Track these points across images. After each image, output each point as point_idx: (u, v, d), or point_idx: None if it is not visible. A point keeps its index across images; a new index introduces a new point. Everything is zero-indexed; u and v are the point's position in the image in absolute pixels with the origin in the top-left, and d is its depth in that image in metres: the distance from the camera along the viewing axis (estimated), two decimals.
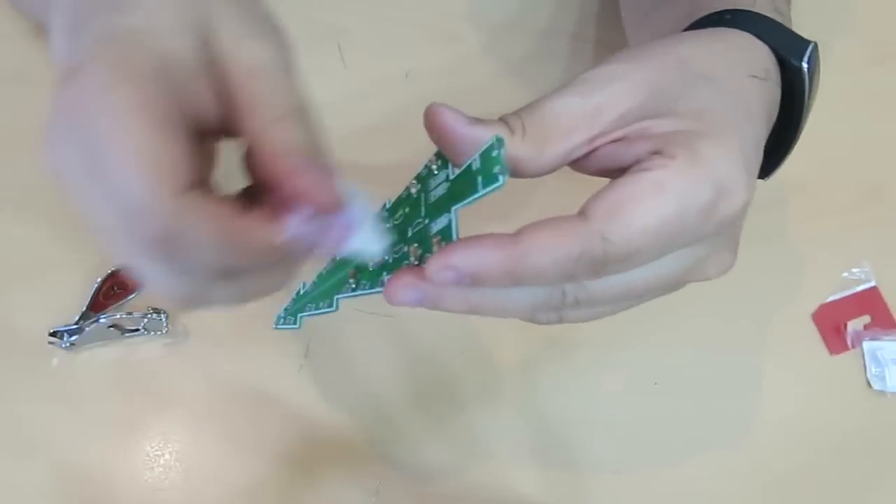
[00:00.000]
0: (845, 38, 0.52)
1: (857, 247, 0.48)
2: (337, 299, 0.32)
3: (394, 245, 0.29)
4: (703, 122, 0.27)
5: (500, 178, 0.23)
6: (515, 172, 0.27)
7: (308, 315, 0.36)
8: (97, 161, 0.23)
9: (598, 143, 0.27)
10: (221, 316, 0.44)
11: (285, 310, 0.38)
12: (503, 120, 0.27)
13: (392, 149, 0.48)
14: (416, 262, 0.27)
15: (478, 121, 0.27)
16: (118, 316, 0.43)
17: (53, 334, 0.43)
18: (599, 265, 0.25)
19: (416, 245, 0.27)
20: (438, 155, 0.28)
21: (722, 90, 0.28)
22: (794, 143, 0.35)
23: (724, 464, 0.44)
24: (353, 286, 0.31)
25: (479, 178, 0.24)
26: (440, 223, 0.26)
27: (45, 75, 0.49)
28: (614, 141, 0.27)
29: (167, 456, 0.43)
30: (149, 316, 0.43)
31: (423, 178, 0.29)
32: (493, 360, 0.44)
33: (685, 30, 0.34)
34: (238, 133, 0.26)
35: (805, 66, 0.32)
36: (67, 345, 0.43)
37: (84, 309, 0.44)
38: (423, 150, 0.48)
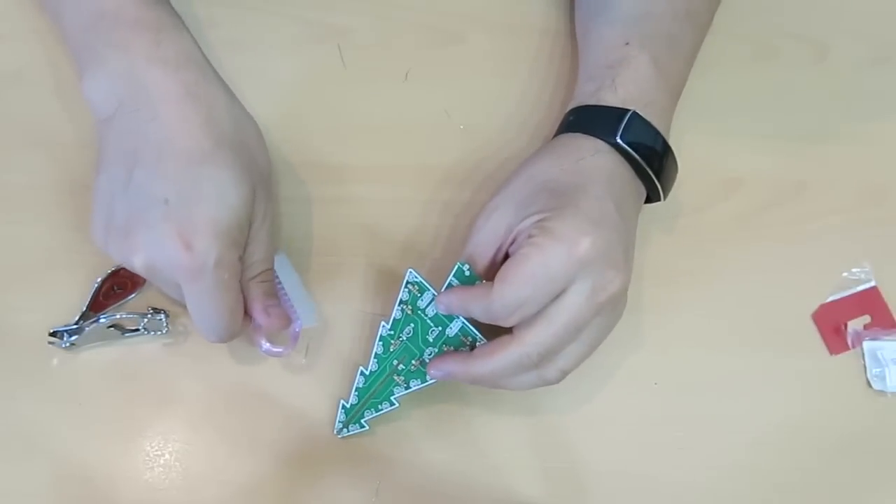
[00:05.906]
0: (845, 38, 0.52)
1: (857, 247, 0.48)
2: (395, 398, 0.42)
3: (409, 352, 0.41)
4: (548, 212, 0.38)
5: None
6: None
7: (373, 416, 0.42)
8: None
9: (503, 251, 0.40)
10: None
11: (346, 413, 0.43)
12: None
13: (392, 149, 0.48)
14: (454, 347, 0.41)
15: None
16: (118, 316, 0.43)
17: (53, 334, 0.43)
18: (495, 317, 0.38)
19: (444, 345, 0.41)
20: (410, 285, 0.40)
21: (559, 186, 0.39)
22: (663, 187, 0.43)
23: (724, 464, 0.44)
24: (405, 385, 0.42)
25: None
26: (455, 327, 0.40)
27: (44, 75, 0.49)
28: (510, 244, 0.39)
29: (167, 456, 0.43)
30: (149, 316, 0.43)
31: (410, 302, 0.41)
32: None
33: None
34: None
35: (619, 140, 0.40)
36: (67, 345, 0.43)
37: (84, 309, 0.44)
38: (422, 150, 0.48)
